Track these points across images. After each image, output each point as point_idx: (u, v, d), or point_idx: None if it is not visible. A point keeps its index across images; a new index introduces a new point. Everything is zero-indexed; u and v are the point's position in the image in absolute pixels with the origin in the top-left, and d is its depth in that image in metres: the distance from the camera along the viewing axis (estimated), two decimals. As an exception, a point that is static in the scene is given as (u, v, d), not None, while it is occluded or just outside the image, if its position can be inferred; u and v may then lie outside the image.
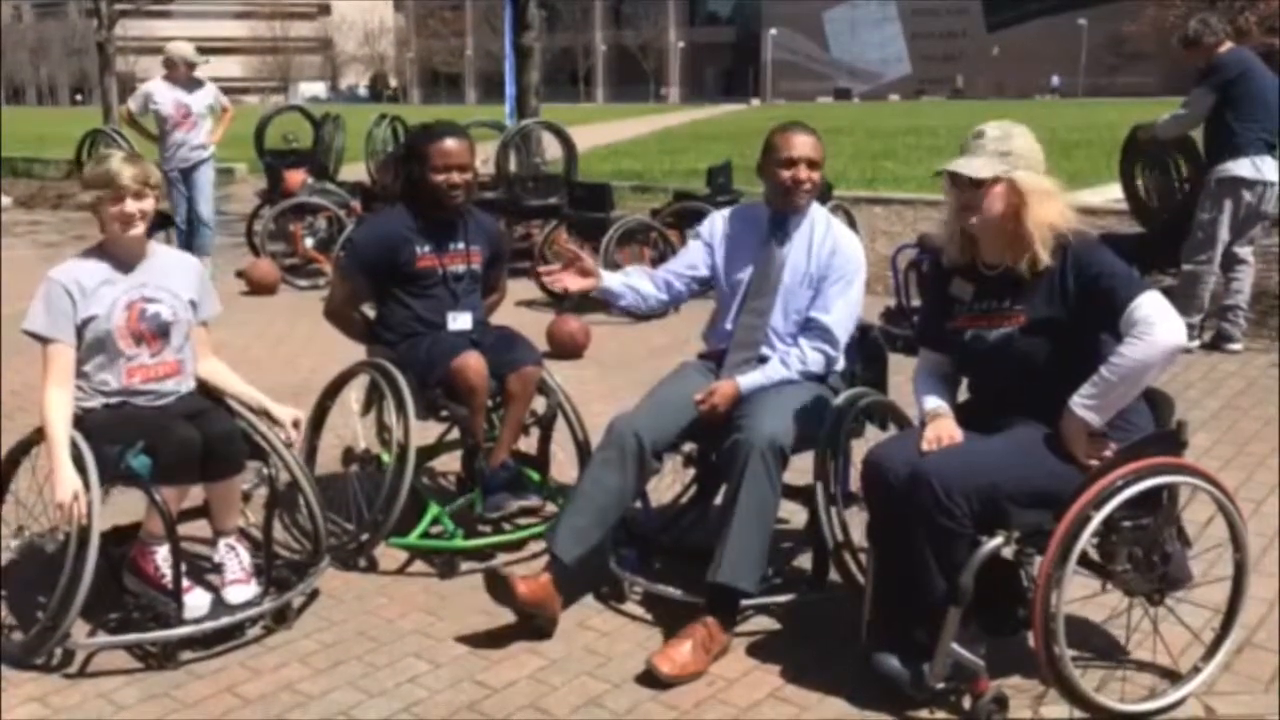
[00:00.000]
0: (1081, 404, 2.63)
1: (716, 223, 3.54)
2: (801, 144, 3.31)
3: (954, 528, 2.56)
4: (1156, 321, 2.57)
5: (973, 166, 2.74)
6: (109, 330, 3.08)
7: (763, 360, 3.32)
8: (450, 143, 3.67)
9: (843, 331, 3.31)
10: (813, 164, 3.32)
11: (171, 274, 3.23)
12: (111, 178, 3.07)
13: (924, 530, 2.59)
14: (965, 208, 2.76)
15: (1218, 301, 6.14)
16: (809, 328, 3.31)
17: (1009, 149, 2.72)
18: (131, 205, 3.08)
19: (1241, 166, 5.76)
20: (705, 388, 3.26)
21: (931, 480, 2.56)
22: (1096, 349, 2.68)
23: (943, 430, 2.76)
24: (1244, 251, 6.02)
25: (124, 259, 3.16)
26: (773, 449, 2.99)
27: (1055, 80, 73.45)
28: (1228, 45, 5.90)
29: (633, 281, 3.47)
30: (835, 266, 3.32)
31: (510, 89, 11.56)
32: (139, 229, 3.12)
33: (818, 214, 3.42)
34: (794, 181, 3.31)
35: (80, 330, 3.07)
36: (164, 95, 8.26)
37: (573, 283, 3.35)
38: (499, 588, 3.04)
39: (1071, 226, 2.73)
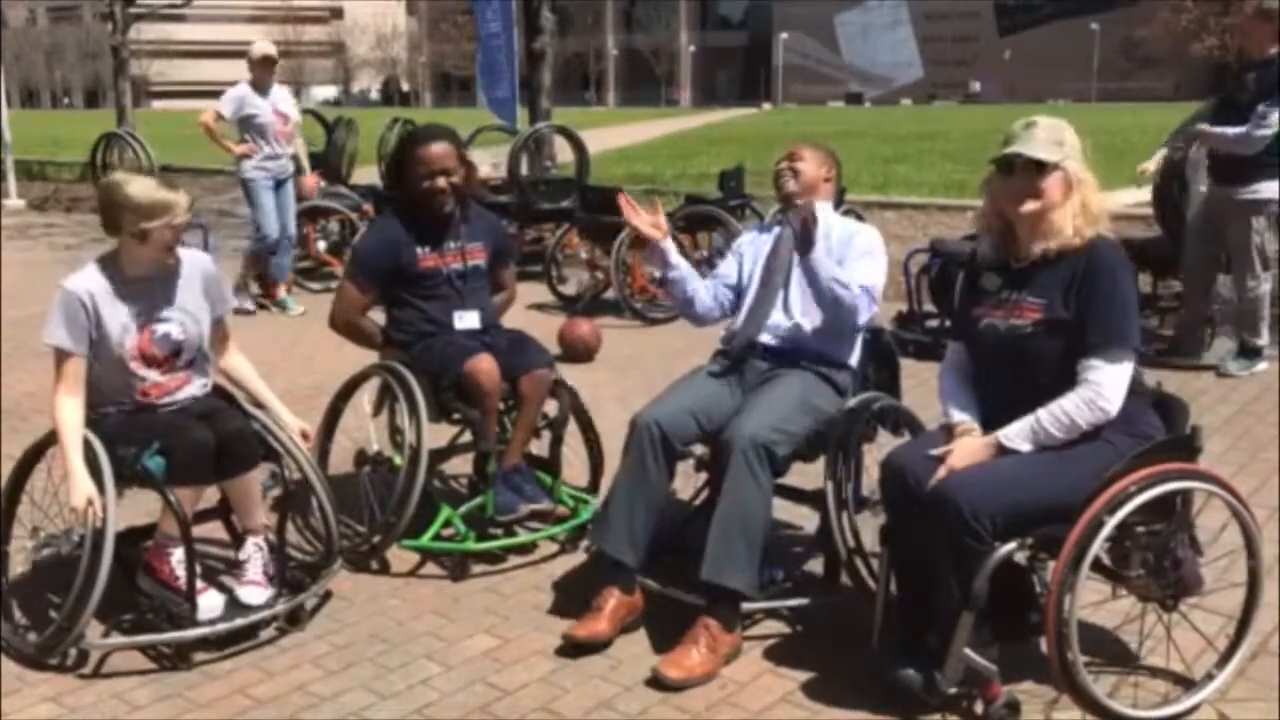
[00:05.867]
0: (1011, 440, 2.69)
1: (744, 237, 3.71)
2: (791, 147, 3.60)
3: (978, 546, 2.55)
4: (1107, 394, 2.64)
5: (1037, 150, 2.76)
6: (121, 356, 3.08)
7: (776, 339, 3.37)
8: (433, 148, 3.66)
9: (866, 280, 3.28)
10: (791, 155, 3.52)
11: (182, 287, 3.19)
12: (170, 207, 3.02)
13: (944, 542, 2.59)
14: (1022, 194, 2.75)
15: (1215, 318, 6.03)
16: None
17: (1062, 139, 2.76)
18: (193, 239, 3.09)
19: (1275, 187, 5.52)
20: (722, 389, 3.30)
21: (959, 503, 2.55)
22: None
23: (969, 448, 2.74)
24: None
25: (139, 275, 3.13)
26: (754, 446, 2.99)
27: (976, 86, 73.50)
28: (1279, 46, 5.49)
29: (691, 272, 3.55)
30: (856, 245, 3.39)
31: (500, 93, 11.54)
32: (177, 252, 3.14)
33: (834, 213, 3.54)
34: (775, 177, 3.53)
35: (92, 346, 3.06)
36: (259, 102, 7.51)
37: (642, 224, 3.42)
38: (587, 643, 3.05)
39: (1108, 227, 2.75)
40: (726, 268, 3.61)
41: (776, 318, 3.40)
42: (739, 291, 3.53)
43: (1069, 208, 2.72)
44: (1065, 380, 2.68)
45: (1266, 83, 5.41)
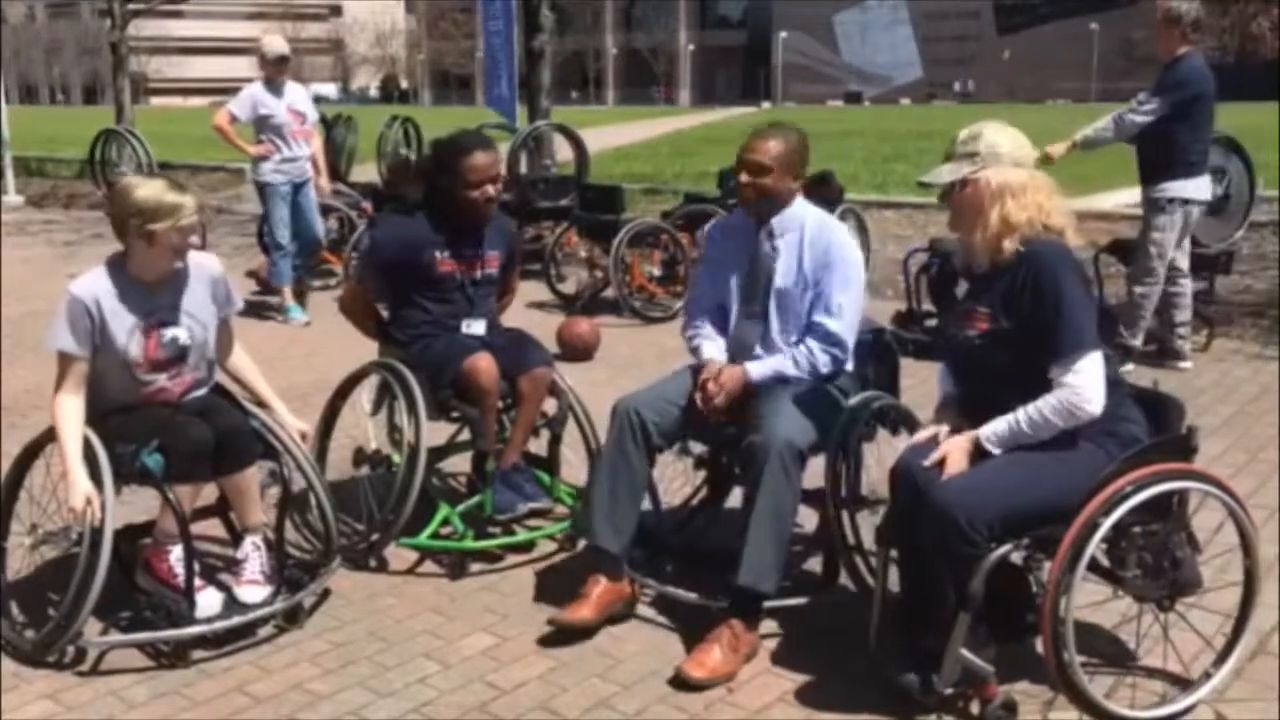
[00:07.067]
0: (988, 439, 2.69)
1: (709, 241, 3.59)
2: (746, 149, 3.33)
3: (975, 552, 2.56)
4: (1085, 395, 2.62)
5: (938, 174, 2.77)
6: (126, 360, 3.07)
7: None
8: (481, 158, 3.66)
9: (849, 333, 3.31)
10: (756, 168, 3.28)
11: (189, 290, 3.19)
12: (176, 209, 3.02)
13: (940, 546, 2.59)
14: (952, 210, 2.79)
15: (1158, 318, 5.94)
16: (814, 331, 3.29)
17: (975, 149, 2.73)
18: (195, 237, 3.08)
19: (1190, 187, 5.58)
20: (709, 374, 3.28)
21: (955, 511, 2.55)
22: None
23: (957, 451, 2.72)
24: (1185, 265, 5.86)
25: (147, 278, 3.12)
26: (791, 451, 3.00)
27: (957, 86, 73.80)
28: (1186, 48, 5.58)
29: (723, 346, 3.42)
30: (832, 266, 3.29)
31: (500, 91, 11.49)
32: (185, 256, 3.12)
33: (809, 215, 3.37)
34: (737, 185, 3.37)
35: (96, 350, 3.05)
36: (271, 101, 7.17)
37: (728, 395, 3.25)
38: (569, 627, 3.07)
39: (1053, 225, 2.69)
40: (704, 295, 3.49)
41: (757, 349, 3.36)
42: (724, 311, 3.44)
43: (988, 219, 2.68)
44: (1017, 391, 2.68)
45: (1166, 81, 5.53)
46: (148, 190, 3.04)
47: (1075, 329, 2.64)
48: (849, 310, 3.29)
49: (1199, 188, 5.62)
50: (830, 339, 3.28)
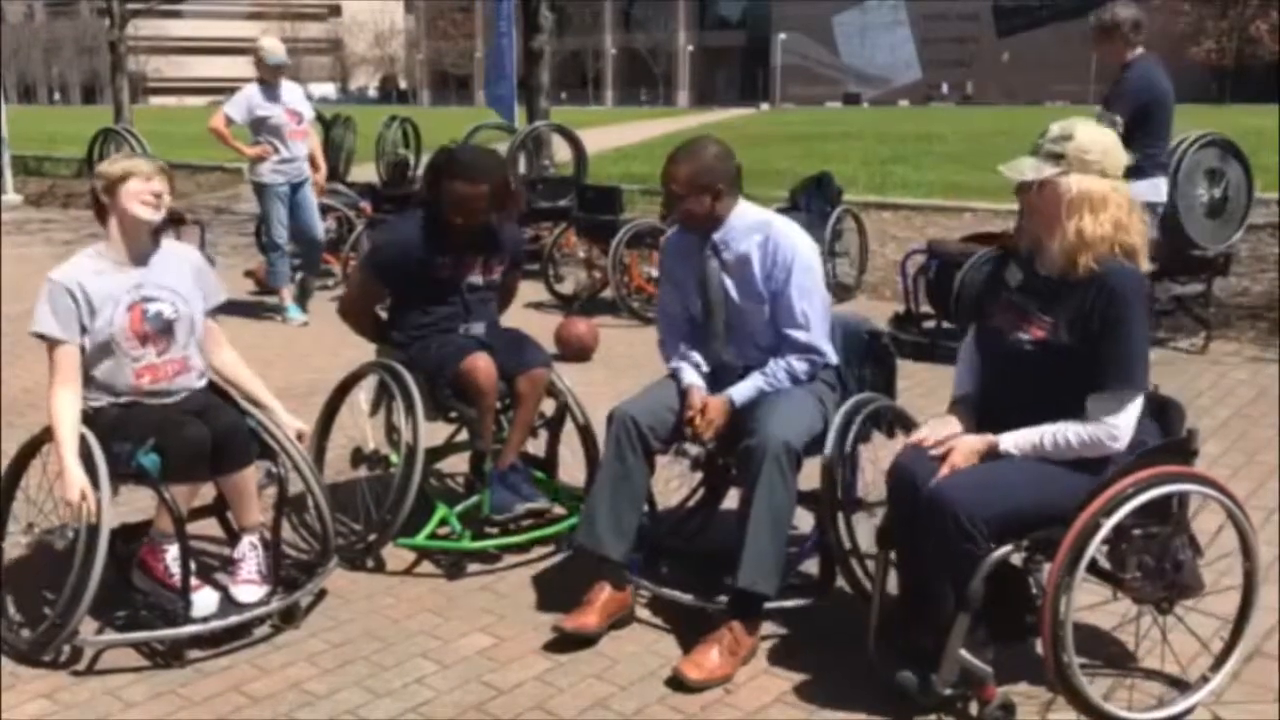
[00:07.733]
0: (1009, 446, 2.67)
1: (665, 258, 3.56)
2: (665, 175, 3.30)
3: (974, 550, 2.55)
4: (1117, 434, 2.62)
5: (1020, 168, 2.68)
6: (113, 335, 3.09)
7: (747, 370, 3.31)
8: (462, 188, 3.58)
9: (822, 336, 3.29)
10: (669, 195, 3.28)
11: (170, 270, 3.23)
12: (129, 165, 3.15)
13: (939, 545, 2.58)
14: (1026, 208, 2.73)
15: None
16: (787, 345, 3.27)
17: (1062, 151, 2.61)
18: (157, 185, 3.11)
19: (1144, 190, 5.49)
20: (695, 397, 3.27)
21: (955, 508, 2.54)
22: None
23: (968, 447, 2.70)
24: None
25: (125, 257, 3.17)
26: (788, 453, 3.00)
27: (945, 88, 73.96)
28: (1138, 51, 5.58)
29: (699, 363, 3.41)
30: (788, 278, 3.24)
31: (500, 91, 11.47)
32: (158, 214, 3.14)
33: (754, 225, 3.30)
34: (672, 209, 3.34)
35: (84, 332, 3.07)
36: (267, 103, 7.11)
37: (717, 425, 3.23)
38: (574, 635, 3.06)
39: (1126, 244, 2.62)
40: (670, 310, 3.47)
41: (728, 359, 3.36)
42: (695, 322, 3.42)
43: (1065, 230, 2.61)
44: (1049, 405, 2.66)
45: (1117, 92, 5.55)
46: (105, 162, 3.24)
47: (1131, 368, 2.61)
48: (815, 317, 3.27)
49: (1151, 189, 5.59)
50: (805, 349, 3.27)
